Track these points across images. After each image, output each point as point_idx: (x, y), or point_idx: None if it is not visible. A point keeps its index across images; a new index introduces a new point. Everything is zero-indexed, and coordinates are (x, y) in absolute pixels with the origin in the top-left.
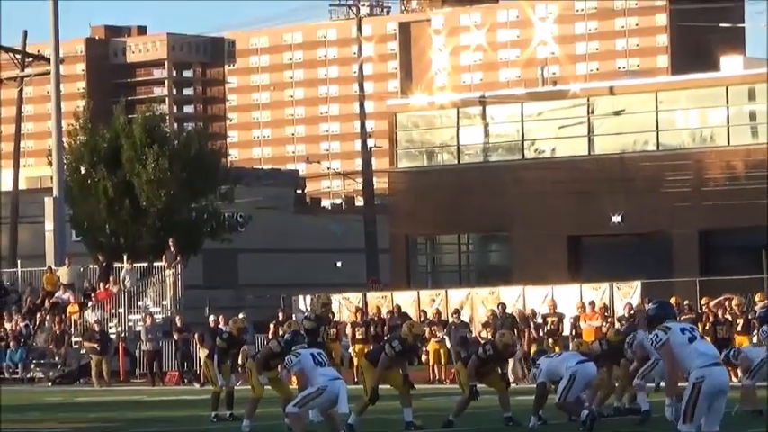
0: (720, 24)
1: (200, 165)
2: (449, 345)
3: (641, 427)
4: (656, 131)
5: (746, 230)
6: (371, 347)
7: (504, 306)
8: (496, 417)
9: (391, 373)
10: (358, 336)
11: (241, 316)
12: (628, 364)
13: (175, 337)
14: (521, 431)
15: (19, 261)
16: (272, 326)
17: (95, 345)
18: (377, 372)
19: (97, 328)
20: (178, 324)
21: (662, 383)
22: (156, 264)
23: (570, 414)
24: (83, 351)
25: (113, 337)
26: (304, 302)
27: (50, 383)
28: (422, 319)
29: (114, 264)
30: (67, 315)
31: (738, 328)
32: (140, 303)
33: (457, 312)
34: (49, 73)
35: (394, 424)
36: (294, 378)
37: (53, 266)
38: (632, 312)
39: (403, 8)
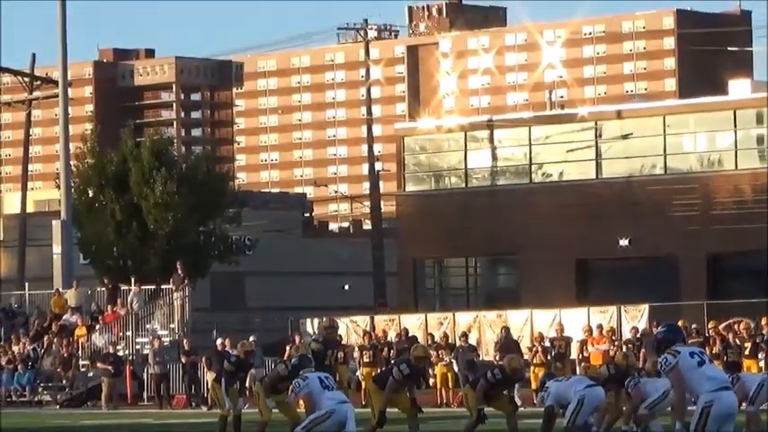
0: (728, 48)
1: (208, 188)
2: (456, 368)
3: None
4: (664, 155)
5: (754, 254)
6: (379, 371)
7: (507, 329)
8: None
9: (399, 397)
10: (365, 359)
11: (251, 339)
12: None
13: (183, 360)
14: None
15: (26, 284)
16: (288, 348)
17: (109, 367)
18: (384, 395)
19: (111, 350)
20: (186, 347)
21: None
22: (163, 287)
23: None
24: (90, 374)
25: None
26: (311, 325)
27: (58, 406)
28: (429, 342)
29: (122, 286)
30: (75, 338)
31: (746, 352)
32: (148, 326)
33: (464, 336)
34: (56, 96)
35: None
36: (302, 402)
37: (61, 289)
38: (639, 336)
39: (411, 32)
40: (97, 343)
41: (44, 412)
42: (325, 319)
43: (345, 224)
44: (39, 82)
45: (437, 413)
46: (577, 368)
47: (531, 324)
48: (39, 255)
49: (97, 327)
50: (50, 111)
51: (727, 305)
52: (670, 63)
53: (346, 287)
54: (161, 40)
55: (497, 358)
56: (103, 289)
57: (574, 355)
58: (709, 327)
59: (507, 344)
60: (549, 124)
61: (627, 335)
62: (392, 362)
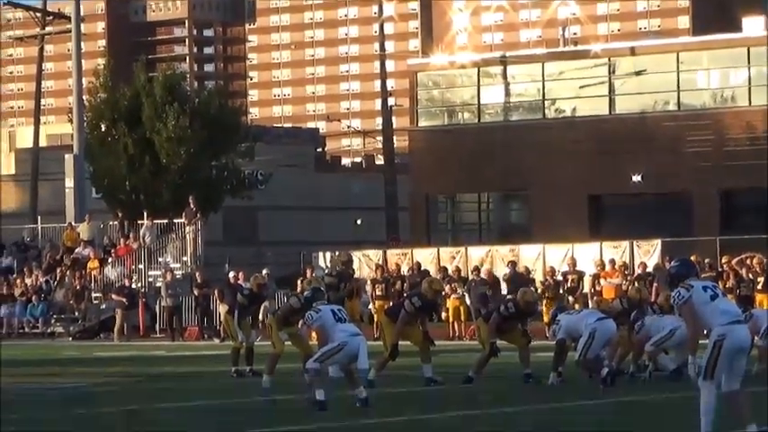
0: None
1: (221, 123)
2: (468, 302)
3: (667, 384)
4: (677, 91)
5: (766, 190)
6: (391, 304)
7: (513, 264)
8: (516, 373)
9: (411, 330)
10: (378, 292)
11: (264, 272)
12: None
13: (195, 292)
14: (540, 388)
15: (39, 217)
16: (299, 282)
17: (123, 299)
18: (397, 328)
19: (127, 283)
20: (198, 280)
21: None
22: (176, 221)
23: (590, 372)
24: (103, 306)
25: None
26: (324, 259)
27: (70, 338)
28: (442, 276)
29: (134, 221)
30: (88, 271)
31: (759, 287)
32: (160, 260)
33: (477, 269)
34: (69, 31)
35: (414, 380)
36: (314, 334)
37: (73, 223)
38: (650, 271)
39: None
40: (110, 276)
41: (56, 344)
42: (340, 253)
43: (358, 159)
44: (51, 17)
45: (449, 346)
46: (589, 302)
47: (543, 259)
48: (51, 189)
49: (110, 260)
50: (63, 46)
51: (739, 240)
52: (683, 0)
53: (359, 222)
54: None
55: (506, 293)
56: (116, 223)
57: (586, 289)
58: (722, 262)
59: (515, 278)
60: (562, 60)
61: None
62: (405, 295)
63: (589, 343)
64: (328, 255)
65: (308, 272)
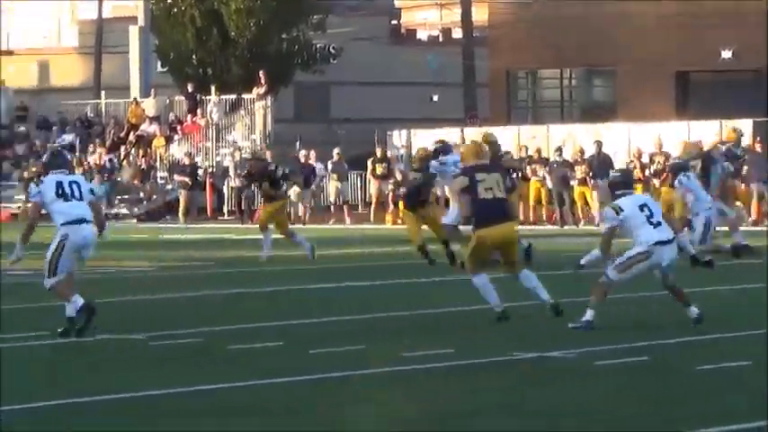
0: None
1: None
2: (550, 184)
3: None
4: None
5: None
6: None
7: (599, 144)
8: None
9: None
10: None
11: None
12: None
13: None
14: None
15: (103, 92)
16: (369, 162)
17: (186, 179)
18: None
19: (188, 162)
20: (269, 159)
21: None
22: (244, 96)
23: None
24: (169, 186)
25: (200, 172)
26: (399, 137)
27: (135, 220)
28: (523, 155)
29: (202, 96)
30: (153, 149)
31: None
32: (228, 137)
33: (559, 150)
34: None
35: None
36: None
37: (138, 98)
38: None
39: None
40: (175, 154)
41: (120, 225)
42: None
43: (435, 32)
44: None
45: (531, 230)
46: None
47: (628, 139)
48: (115, 62)
49: (176, 137)
50: None
51: None
52: None
53: (434, 98)
54: None
55: (590, 174)
56: (182, 98)
57: None
58: None
59: (601, 159)
60: None
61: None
62: None
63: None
64: (404, 132)
65: (379, 151)
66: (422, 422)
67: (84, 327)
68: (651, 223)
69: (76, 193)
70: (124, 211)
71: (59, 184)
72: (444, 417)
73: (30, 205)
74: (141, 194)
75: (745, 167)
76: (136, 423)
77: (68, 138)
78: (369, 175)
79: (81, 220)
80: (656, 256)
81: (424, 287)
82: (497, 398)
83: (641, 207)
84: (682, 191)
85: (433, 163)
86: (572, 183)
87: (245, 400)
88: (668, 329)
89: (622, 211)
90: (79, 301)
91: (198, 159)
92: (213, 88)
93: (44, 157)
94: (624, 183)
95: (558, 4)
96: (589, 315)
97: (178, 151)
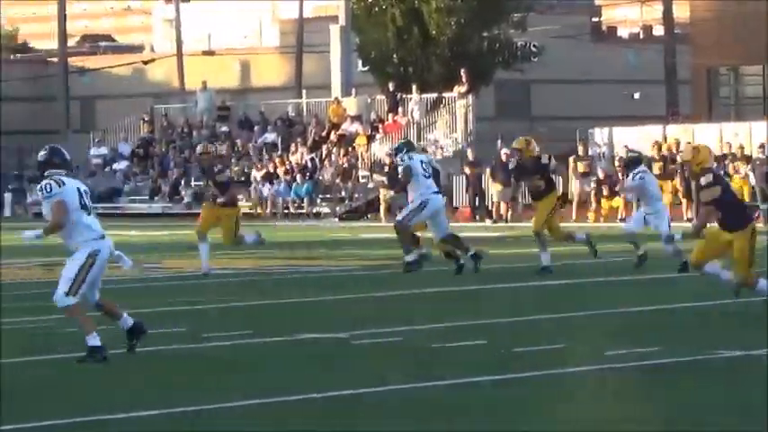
0: None
1: None
2: (753, 182)
3: None
4: None
5: None
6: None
7: None
8: None
9: None
10: (656, 171)
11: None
12: None
13: (467, 171)
14: None
15: (304, 91)
16: (570, 160)
17: (383, 178)
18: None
19: (388, 161)
20: (470, 158)
21: None
22: (445, 95)
23: None
24: (370, 185)
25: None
26: (600, 135)
27: (336, 219)
28: (726, 152)
29: (402, 95)
30: (354, 148)
31: None
32: (429, 136)
33: (761, 147)
34: None
35: None
36: None
37: (339, 97)
38: None
39: None
40: (377, 153)
41: (322, 224)
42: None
43: (636, 29)
44: None
45: None
46: None
47: None
48: (316, 61)
49: (377, 136)
50: None
51: None
52: None
53: (636, 96)
54: None
55: None
56: (383, 97)
57: None
58: None
59: None
60: None
61: None
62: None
63: None
64: (605, 130)
65: (581, 149)
66: (655, 422)
67: (133, 345)
68: None
69: (89, 204)
70: (326, 209)
71: (80, 193)
72: (672, 417)
73: (54, 203)
74: (343, 193)
75: None
76: (335, 423)
77: (270, 137)
78: (570, 173)
79: (104, 235)
80: None
81: (620, 286)
82: (718, 397)
83: None
84: None
85: None
86: None
87: (445, 399)
88: None
89: None
90: (129, 320)
91: None
92: (414, 87)
93: (40, 155)
94: None
95: (759, 3)
96: None
97: (379, 150)
